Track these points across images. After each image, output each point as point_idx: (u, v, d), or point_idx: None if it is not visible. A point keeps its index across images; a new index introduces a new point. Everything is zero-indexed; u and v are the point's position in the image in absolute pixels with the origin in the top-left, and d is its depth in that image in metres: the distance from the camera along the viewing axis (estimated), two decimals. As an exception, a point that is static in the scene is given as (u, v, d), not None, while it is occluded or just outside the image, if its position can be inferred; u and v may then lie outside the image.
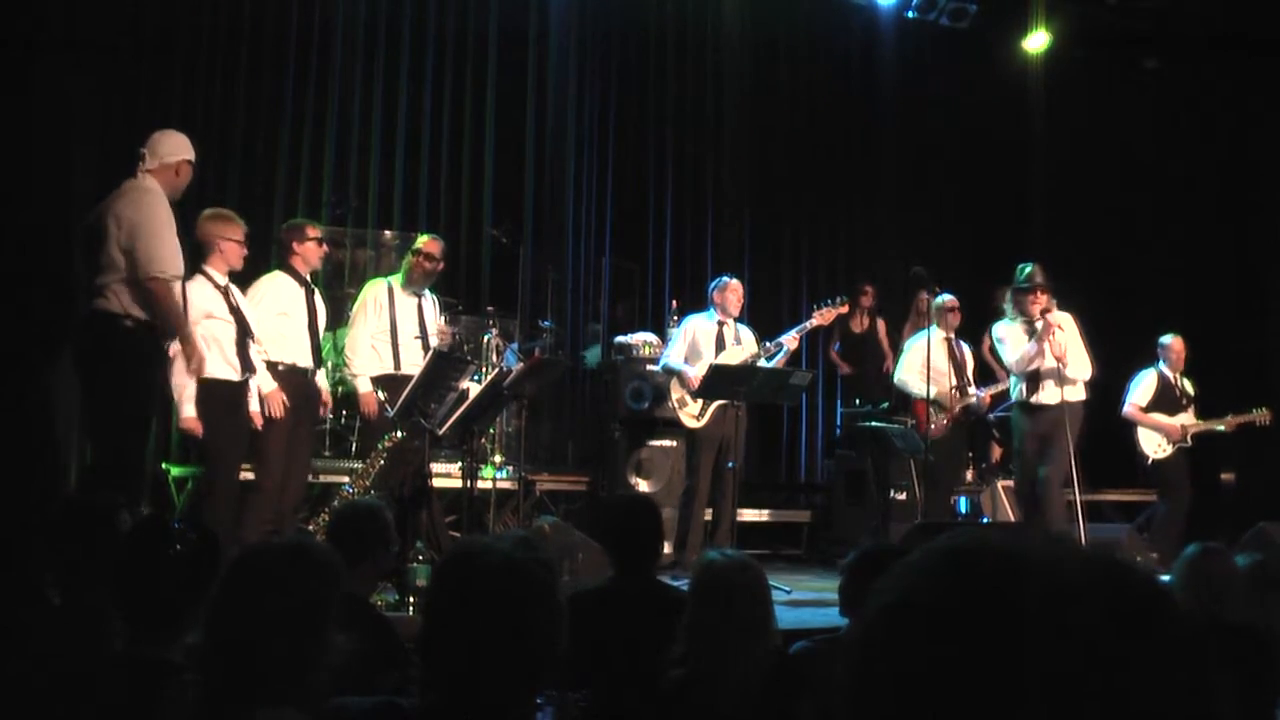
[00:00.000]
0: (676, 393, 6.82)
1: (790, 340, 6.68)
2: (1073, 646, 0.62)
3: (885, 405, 8.17)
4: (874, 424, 7.59)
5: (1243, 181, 9.32)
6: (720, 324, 6.85)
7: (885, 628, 0.67)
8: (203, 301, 5.18)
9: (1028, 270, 6.74)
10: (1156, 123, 9.87)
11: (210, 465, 5.33)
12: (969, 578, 0.66)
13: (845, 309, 7.17)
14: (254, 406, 5.39)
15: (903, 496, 7.77)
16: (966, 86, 9.82)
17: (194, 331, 4.88)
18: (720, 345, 6.82)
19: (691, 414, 6.75)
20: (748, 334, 6.97)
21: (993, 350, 7.61)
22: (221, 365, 5.24)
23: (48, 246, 5.52)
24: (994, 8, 9.81)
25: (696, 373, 6.63)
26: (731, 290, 6.84)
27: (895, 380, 7.53)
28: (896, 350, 8.90)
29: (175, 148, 4.85)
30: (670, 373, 6.89)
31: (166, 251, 4.65)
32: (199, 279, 5.22)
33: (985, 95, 9.83)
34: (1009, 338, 6.76)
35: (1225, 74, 9.31)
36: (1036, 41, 9.81)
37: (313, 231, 5.80)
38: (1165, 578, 3.47)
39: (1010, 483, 7.64)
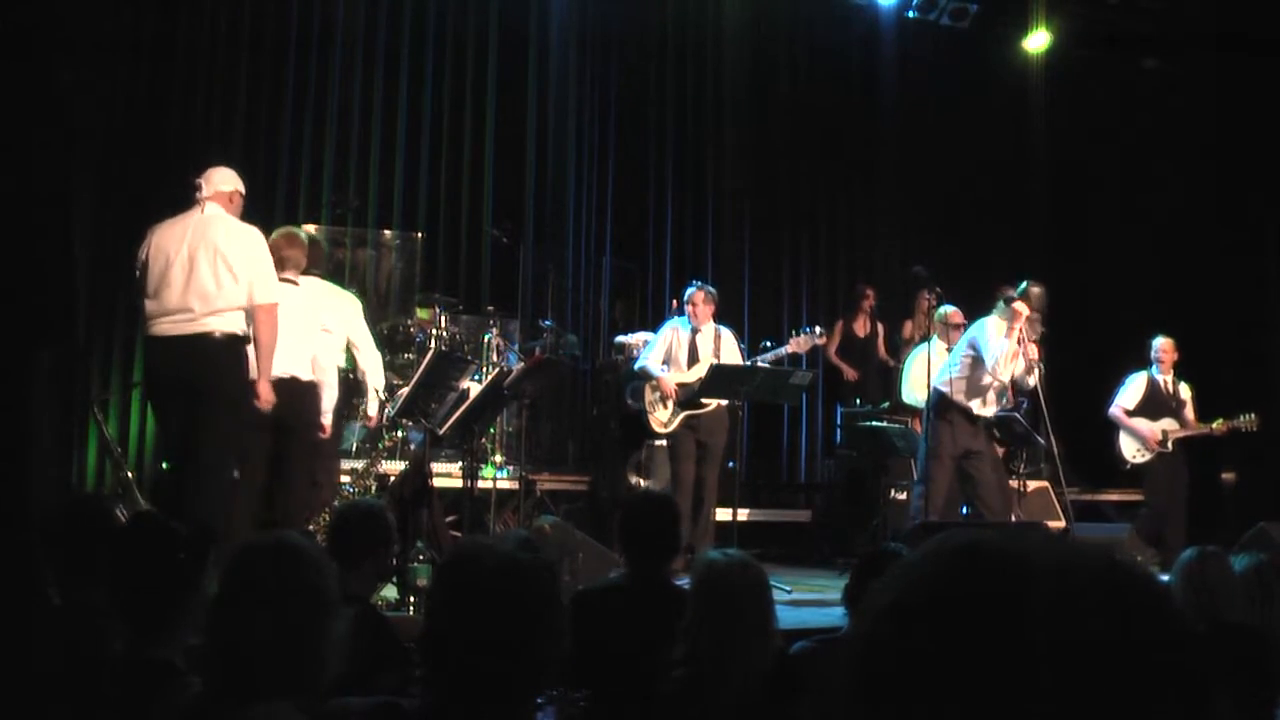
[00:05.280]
0: (649, 395, 6.83)
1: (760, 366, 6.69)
2: (1072, 646, 0.62)
3: (885, 405, 8.17)
4: (874, 424, 7.58)
5: (1243, 181, 9.32)
6: (694, 331, 6.88)
7: (885, 627, 0.68)
8: None
9: (1029, 288, 6.71)
10: (1156, 122, 9.88)
11: (308, 460, 5.50)
12: (969, 577, 0.67)
13: (823, 340, 7.11)
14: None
15: (903, 496, 7.77)
16: (966, 86, 9.82)
17: None
18: (693, 354, 6.84)
19: (660, 420, 6.76)
20: (732, 346, 6.96)
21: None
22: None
23: (47, 246, 5.53)
24: (994, 8, 9.81)
25: (671, 378, 6.72)
26: (692, 302, 6.86)
27: (906, 400, 7.57)
28: (893, 352, 8.92)
29: (227, 179, 5.17)
30: (645, 376, 6.90)
31: (275, 281, 5.10)
32: None
33: (985, 95, 9.83)
34: (996, 336, 6.52)
35: (1225, 74, 9.31)
36: (1037, 41, 9.81)
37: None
38: (1165, 577, 3.48)
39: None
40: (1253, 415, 7.55)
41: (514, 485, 6.79)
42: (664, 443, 7.40)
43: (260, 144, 7.76)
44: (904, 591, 0.68)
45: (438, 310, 7.46)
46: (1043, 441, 7.49)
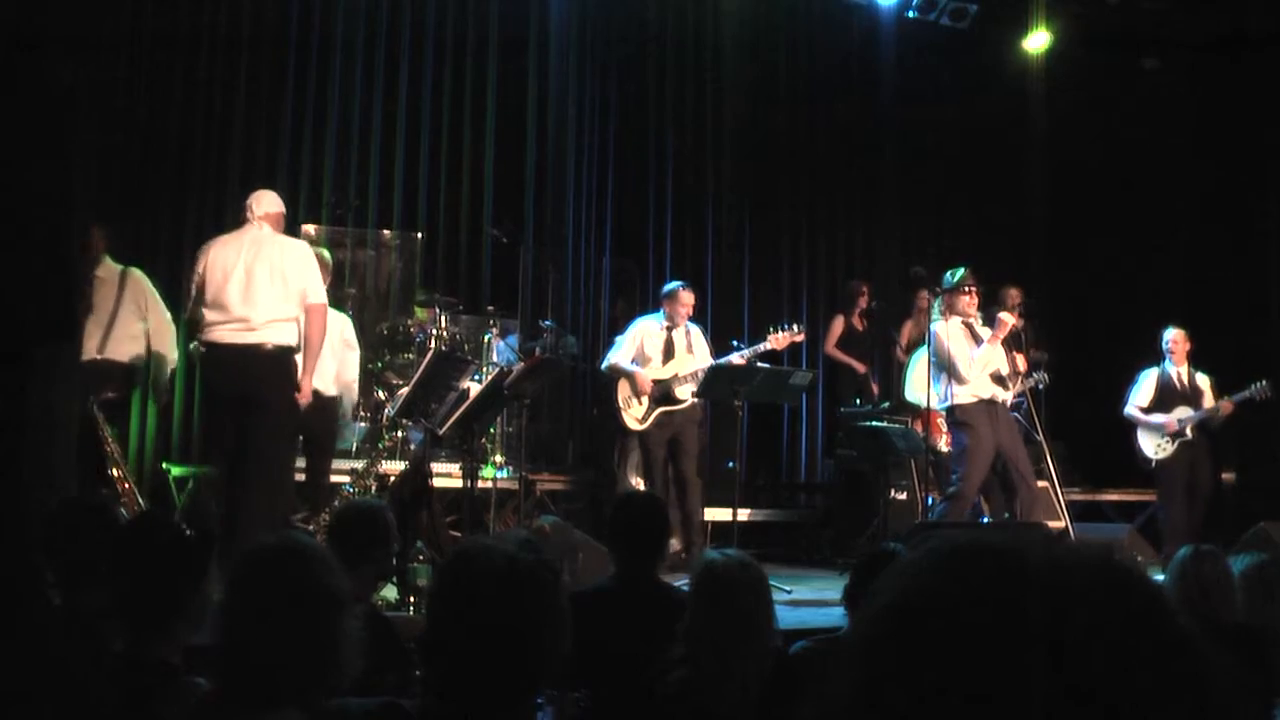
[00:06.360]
0: (623, 392, 6.88)
1: (737, 361, 6.69)
2: (1071, 647, 0.62)
3: (886, 405, 8.17)
4: (874, 424, 7.58)
5: (1243, 181, 9.32)
6: (669, 329, 6.93)
7: (884, 627, 0.68)
8: None
9: (961, 273, 6.73)
10: (1156, 123, 9.87)
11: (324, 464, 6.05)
12: (967, 578, 0.67)
13: (801, 337, 7.11)
14: None
15: (903, 496, 7.77)
16: (966, 86, 9.82)
17: None
18: (669, 351, 6.88)
19: (635, 416, 6.82)
20: (701, 342, 7.02)
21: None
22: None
23: (47, 246, 5.53)
24: (994, 8, 9.81)
25: (647, 375, 6.76)
26: (680, 300, 6.91)
27: (908, 400, 7.58)
28: (883, 349, 8.94)
29: (276, 202, 5.58)
30: (617, 373, 6.93)
31: (323, 287, 5.53)
32: None
33: (985, 95, 9.82)
34: (952, 337, 6.60)
35: (1225, 74, 9.31)
36: (1037, 41, 9.80)
37: None
38: (1159, 577, 3.48)
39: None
40: (1264, 383, 7.36)
41: (514, 485, 6.79)
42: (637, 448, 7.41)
43: (260, 144, 7.76)
44: (903, 592, 0.68)
45: (438, 310, 7.46)
46: (1040, 440, 7.49)
